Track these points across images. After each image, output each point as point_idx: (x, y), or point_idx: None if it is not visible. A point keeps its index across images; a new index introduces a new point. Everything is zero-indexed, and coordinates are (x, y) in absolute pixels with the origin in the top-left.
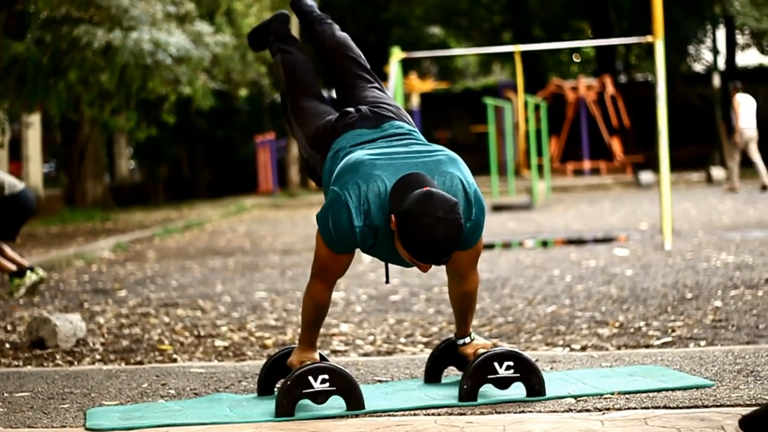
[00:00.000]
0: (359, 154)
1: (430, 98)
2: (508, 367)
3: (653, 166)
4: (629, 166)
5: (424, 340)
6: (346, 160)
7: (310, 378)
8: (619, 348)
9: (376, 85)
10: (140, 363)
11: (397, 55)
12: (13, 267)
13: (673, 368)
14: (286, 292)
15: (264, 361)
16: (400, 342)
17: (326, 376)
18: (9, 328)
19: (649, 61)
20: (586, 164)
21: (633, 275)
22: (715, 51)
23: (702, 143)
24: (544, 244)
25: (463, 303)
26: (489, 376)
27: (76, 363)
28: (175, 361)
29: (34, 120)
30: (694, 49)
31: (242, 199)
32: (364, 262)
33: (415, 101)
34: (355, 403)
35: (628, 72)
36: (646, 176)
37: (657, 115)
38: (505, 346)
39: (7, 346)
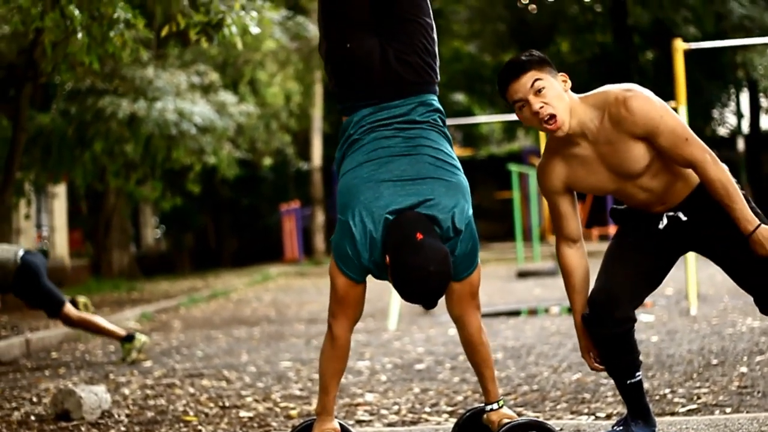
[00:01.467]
0: (365, 172)
1: None
2: None
3: None
4: None
5: (449, 409)
6: (351, 178)
7: None
8: None
9: None
10: None
11: None
12: (123, 332)
13: None
14: (312, 361)
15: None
16: (425, 411)
17: None
18: (34, 399)
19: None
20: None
21: (658, 341)
22: (739, 115)
23: None
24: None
25: (474, 355)
26: None
27: None
28: None
29: (60, 191)
30: (718, 113)
31: (268, 267)
32: (389, 330)
33: None
34: None
35: None
36: None
37: None
38: (529, 414)
39: (32, 418)
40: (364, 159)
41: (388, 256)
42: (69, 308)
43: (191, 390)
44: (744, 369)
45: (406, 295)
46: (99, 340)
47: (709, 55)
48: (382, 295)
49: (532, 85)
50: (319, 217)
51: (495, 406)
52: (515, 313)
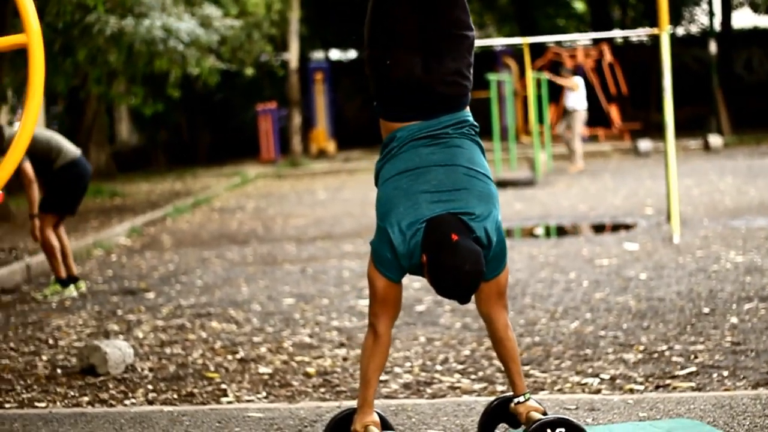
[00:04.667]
0: (404, 183)
1: None
2: None
3: (650, 132)
4: (627, 133)
5: (460, 367)
6: (392, 188)
7: None
8: (647, 378)
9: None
10: (192, 395)
11: None
12: (64, 273)
13: (707, 421)
14: (313, 299)
15: (312, 402)
16: (436, 370)
17: None
18: (51, 342)
19: (647, 23)
20: (585, 131)
21: (647, 279)
22: (711, 14)
23: (698, 104)
24: (554, 232)
25: (501, 350)
26: None
27: (130, 394)
28: (224, 392)
29: None
30: (689, 12)
31: (244, 166)
32: None
33: None
34: None
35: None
36: (644, 144)
37: (663, 107)
38: (552, 414)
39: (59, 371)
40: (402, 168)
41: (425, 255)
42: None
43: (203, 335)
44: (734, 320)
45: (442, 291)
46: (94, 260)
47: None
48: (367, 210)
49: None
50: (296, 119)
51: (522, 399)
52: None
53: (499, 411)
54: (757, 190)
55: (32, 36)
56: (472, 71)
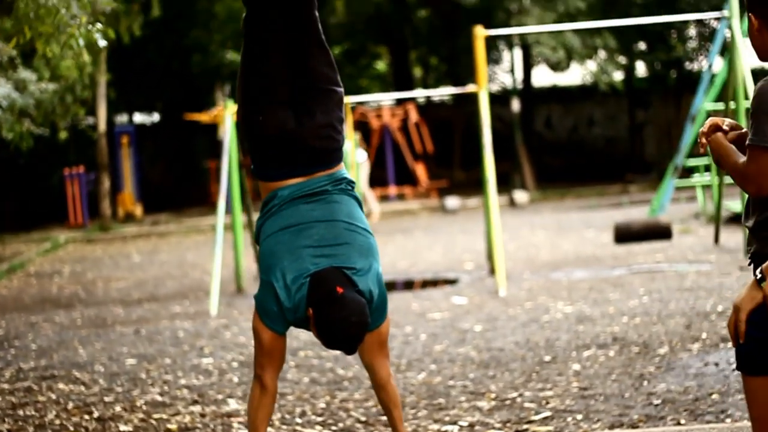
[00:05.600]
0: (286, 237)
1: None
2: None
3: (456, 190)
4: (434, 191)
5: (319, 419)
6: (274, 243)
7: None
8: (504, 424)
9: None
10: None
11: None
12: None
13: None
14: (155, 358)
15: None
16: (297, 423)
17: None
18: None
19: (449, 81)
20: (392, 190)
21: (483, 331)
22: (512, 72)
23: (501, 161)
24: None
25: (384, 398)
26: None
27: None
28: None
29: None
30: (490, 71)
31: (53, 231)
32: (211, 315)
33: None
34: None
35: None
36: (452, 202)
37: (483, 164)
38: None
39: None
40: (284, 224)
41: (311, 309)
42: None
43: (53, 396)
44: (577, 366)
45: (329, 343)
46: None
47: (482, 14)
48: (188, 272)
49: None
50: (106, 183)
51: None
52: None
53: None
54: (570, 243)
55: None
56: (344, 126)
